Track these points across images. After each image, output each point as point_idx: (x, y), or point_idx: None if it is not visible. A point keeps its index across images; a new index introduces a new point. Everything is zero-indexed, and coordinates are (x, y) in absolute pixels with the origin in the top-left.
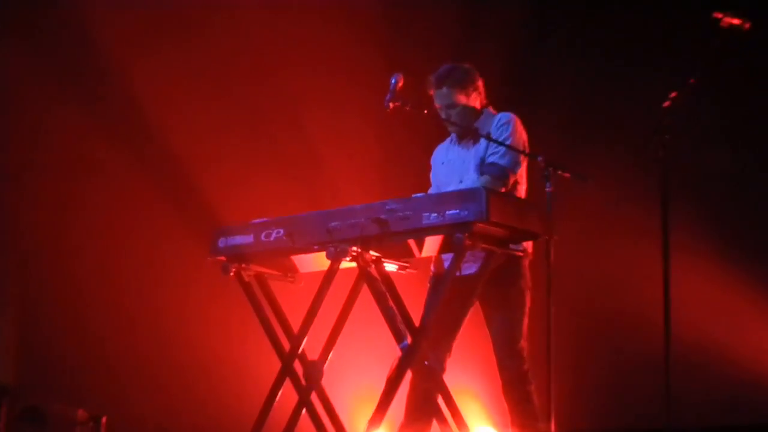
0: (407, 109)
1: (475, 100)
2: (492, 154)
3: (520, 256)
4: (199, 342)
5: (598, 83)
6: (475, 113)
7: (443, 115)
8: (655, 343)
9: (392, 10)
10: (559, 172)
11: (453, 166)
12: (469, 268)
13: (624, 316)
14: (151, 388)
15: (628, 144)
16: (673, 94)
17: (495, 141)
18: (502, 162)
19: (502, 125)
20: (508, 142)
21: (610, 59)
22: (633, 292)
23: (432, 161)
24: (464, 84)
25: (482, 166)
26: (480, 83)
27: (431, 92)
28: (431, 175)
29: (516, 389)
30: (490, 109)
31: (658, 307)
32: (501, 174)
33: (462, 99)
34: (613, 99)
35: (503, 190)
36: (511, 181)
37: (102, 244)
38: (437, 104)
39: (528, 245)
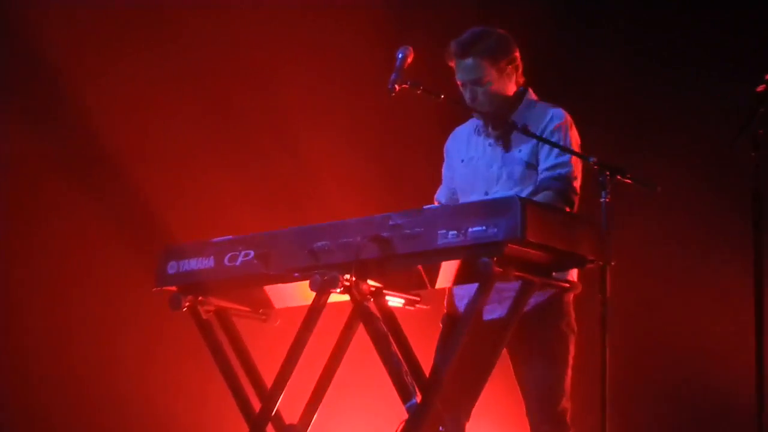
0: (418, 92)
1: (511, 78)
2: (553, 165)
3: (565, 289)
4: (151, 392)
5: (664, 65)
6: (510, 98)
7: (467, 96)
8: (746, 401)
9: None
10: (619, 177)
11: (476, 169)
12: (492, 311)
13: (703, 366)
14: None
15: (709, 142)
16: None
17: (549, 142)
18: (568, 173)
19: (557, 128)
20: (567, 137)
21: (681, 34)
22: (714, 334)
23: (447, 150)
24: (497, 54)
25: (530, 176)
26: (518, 56)
27: (452, 63)
28: (444, 168)
29: None
30: (531, 95)
31: (748, 355)
32: (569, 190)
33: (493, 75)
34: (685, 85)
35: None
36: (577, 200)
37: (33, 258)
38: (459, 80)
39: (573, 273)
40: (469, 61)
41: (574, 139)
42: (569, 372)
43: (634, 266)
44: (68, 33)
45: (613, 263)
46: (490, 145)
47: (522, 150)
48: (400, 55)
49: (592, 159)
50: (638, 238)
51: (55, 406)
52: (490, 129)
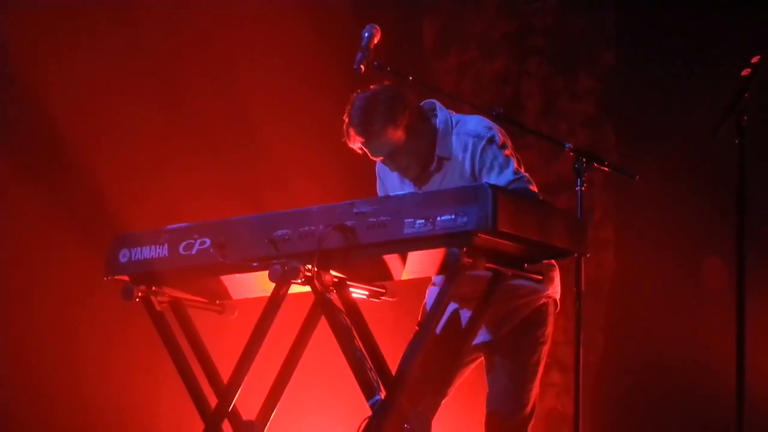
0: (386, 73)
1: (417, 123)
2: (490, 169)
3: (547, 304)
4: (92, 389)
5: (652, 44)
6: (427, 134)
7: (393, 168)
8: (725, 399)
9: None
10: (596, 165)
11: None
12: (483, 335)
13: (684, 363)
14: None
15: (693, 128)
16: (755, 59)
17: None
18: (511, 180)
19: (483, 150)
20: (503, 153)
21: (672, 11)
22: (697, 330)
23: (378, 171)
24: (394, 118)
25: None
26: (410, 100)
27: (359, 147)
28: (378, 189)
29: None
30: (437, 108)
31: (729, 347)
32: (528, 192)
33: (401, 135)
34: (673, 67)
35: None
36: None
37: None
38: (375, 157)
39: (554, 290)
40: (374, 142)
41: (502, 141)
42: (537, 382)
43: (624, 261)
44: (20, 18)
45: (588, 255)
46: (423, 186)
47: (461, 168)
48: (366, 34)
49: (568, 145)
50: (619, 230)
51: (12, 400)
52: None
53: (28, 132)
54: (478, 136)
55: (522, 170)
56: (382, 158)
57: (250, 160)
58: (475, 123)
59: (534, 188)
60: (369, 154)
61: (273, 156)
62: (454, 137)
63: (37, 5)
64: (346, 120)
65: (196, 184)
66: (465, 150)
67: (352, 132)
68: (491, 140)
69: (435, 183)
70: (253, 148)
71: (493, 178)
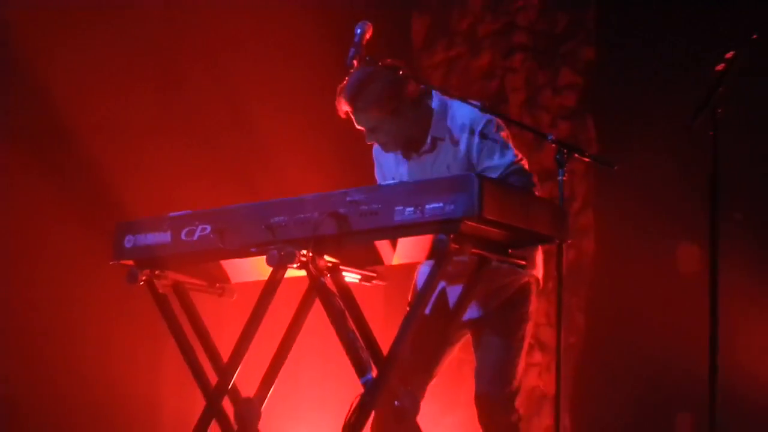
0: (377, 66)
1: (408, 110)
2: (505, 173)
3: (529, 283)
4: (97, 370)
5: (630, 40)
6: (417, 123)
7: (371, 140)
8: (699, 376)
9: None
10: (576, 155)
11: None
12: (471, 311)
13: (660, 343)
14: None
15: (669, 120)
16: (729, 55)
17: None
18: (511, 163)
19: (482, 132)
20: (501, 135)
21: (649, 8)
22: (672, 312)
23: (375, 156)
24: (384, 101)
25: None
26: (408, 88)
27: (344, 112)
28: (377, 174)
29: None
30: (438, 100)
31: (703, 328)
32: (529, 184)
33: (387, 118)
34: (650, 61)
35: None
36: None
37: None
38: (358, 126)
39: (538, 270)
40: (359, 112)
41: (498, 124)
42: (522, 357)
43: (603, 247)
44: (27, 9)
45: (569, 241)
46: (416, 162)
47: (452, 166)
48: (358, 31)
49: (551, 137)
50: (604, 219)
51: (14, 376)
52: (411, 153)
53: (35, 122)
54: (475, 121)
55: (521, 156)
56: (363, 128)
57: (244, 147)
58: (470, 110)
59: (534, 179)
60: (354, 122)
61: (266, 143)
62: (449, 120)
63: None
64: (343, 84)
65: (193, 170)
66: (462, 131)
67: (342, 98)
68: (489, 123)
69: (428, 162)
70: (248, 135)
71: (497, 160)
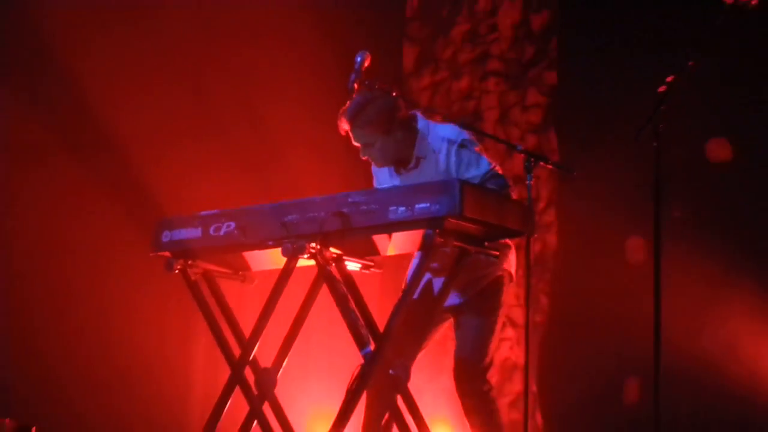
0: (374, 89)
1: (398, 130)
2: (469, 165)
3: (502, 276)
4: (142, 344)
5: (586, 66)
6: (409, 134)
7: (364, 154)
8: (645, 348)
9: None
10: (542, 163)
11: None
12: (453, 298)
13: (612, 321)
14: (89, 395)
15: (619, 134)
16: (669, 78)
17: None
18: (486, 169)
19: (459, 149)
20: (475, 149)
21: (602, 39)
22: (622, 295)
23: (373, 173)
24: (379, 122)
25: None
26: (399, 113)
27: (345, 130)
28: (375, 184)
29: (477, 407)
30: (421, 123)
31: (648, 307)
32: (506, 187)
33: (379, 137)
34: (603, 84)
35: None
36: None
37: (39, 239)
38: (363, 147)
39: (510, 264)
40: (356, 129)
41: (472, 140)
42: (494, 337)
43: (564, 240)
44: (69, 26)
45: (535, 235)
46: (405, 177)
47: (434, 179)
48: (358, 59)
49: (520, 148)
50: (564, 217)
51: (52, 346)
52: (401, 169)
53: (82, 130)
54: (451, 140)
55: (494, 163)
56: (359, 145)
57: (262, 151)
58: (448, 129)
59: (509, 181)
60: (357, 144)
61: (282, 148)
62: (429, 140)
63: (89, 22)
64: (345, 106)
65: (217, 171)
66: (439, 151)
67: (343, 117)
68: (464, 142)
69: (413, 177)
70: (265, 140)
71: (473, 171)
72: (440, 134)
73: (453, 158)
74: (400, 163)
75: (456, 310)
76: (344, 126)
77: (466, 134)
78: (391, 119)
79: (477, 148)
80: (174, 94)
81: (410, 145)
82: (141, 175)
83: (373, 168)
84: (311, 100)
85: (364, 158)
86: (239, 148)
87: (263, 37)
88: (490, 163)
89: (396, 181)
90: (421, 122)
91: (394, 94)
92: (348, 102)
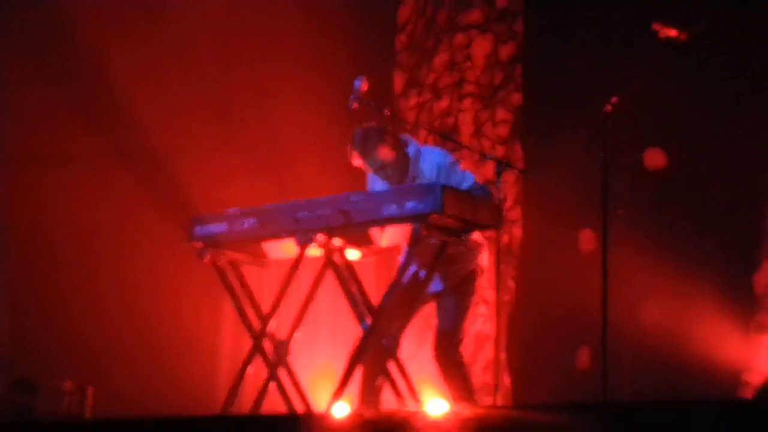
0: (371, 108)
1: (397, 144)
2: (459, 184)
3: (475, 269)
4: (175, 321)
5: (546, 88)
6: (404, 158)
7: (381, 178)
8: (594, 322)
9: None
10: (509, 169)
11: None
12: (436, 286)
13: (567, 300)
14: (130, 363)
15: (573, 145)
16: (614, 99)
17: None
18: (472, 183)
19: (448, 167)
20: (459, 167)
21: (559, 66)
22: (576, 278)
23: (370, 183)
24: (384, 139)
25: None
26: (390, 133)
27: (357, 162)
28: (368, 189)
29: (452, 372)
30: (410, 142)
31: (597, 288)
32: (486, 189)
33: (388, 153)
34: (560, 103)
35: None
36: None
37: (80, 232)
38: (370, 171)
39: (482, 260)
40: (371, 157)
41: (456, 160)
42: (467, 317)
43: (528, 233)
44: (89, 8)
45: (503, 228)
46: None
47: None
48: (357, 83)
49: (491, 156)
50: (528, 214)
51: (103, 325)
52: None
53: (129, 143)
54: (442, 163)
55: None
56: (374, 170)
57: (277, 158)
58: (437, 153)
59: (492, 190)
60: (365, 168)
61: (295, 155)
62: (422, 163)
63: (136, 42)
64: (350, 145)
65: (240, 174)
66: (431, 172)
67: (355, 153)
68: (452, 164)
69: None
70: (281, 149)
71: (465, 186)
72: (430, 160)
73: (443, 178)
74: (401, 181)
75: (438, 296)
76: (356, 161)
77: (450, 156)
78: (389, 142)
79: (461, 166)
80: (205, 114)
81: (406, 168)
82: (178, 180)
83: (369, 179)
84: (320, 118)
85: (382, 178)
86: (258, 156)
87: (281, 68)
88: (472, 176)
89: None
90: (413, 148)
91: (386, 111)
92: (350, 141)
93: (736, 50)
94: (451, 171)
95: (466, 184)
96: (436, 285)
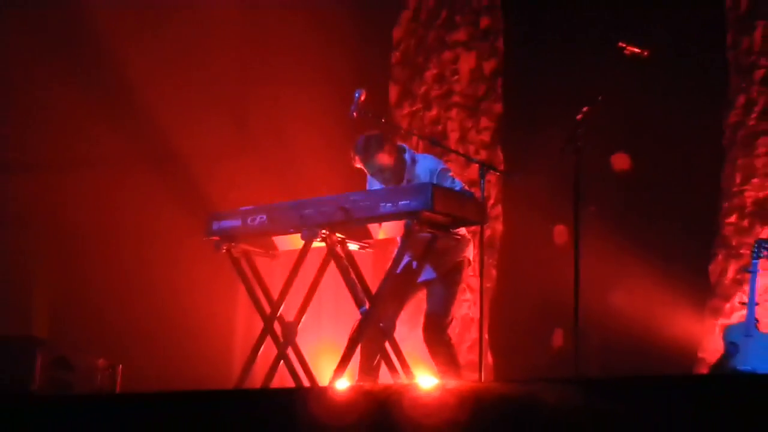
0: (369, 116)
1: (394, 152)
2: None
3: (463, 260)
4: (195, 306)
5: (524, 100)
6: (400, 163)
7: (380, 180)
8: (567, 306)
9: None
10: (491, 171)
11: None
12: (427, 274)
13: (543, 286)
14: (155, 343)
15: (548, 150)
16: (585, 109)
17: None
18: (459, 188)
19: (440, 174)
20: (449, 174)
21: (535, 80)
22: (551, 268)
23: (368, 182)
24: (383, 146)
25: None
26: (389, 141)
27: (359, 166)
28: (367, 188)
29: (440, 350)
30: (406, 149)
31: (569, 276)
32: (471, 195)
33: (386, 159)
34: (537, 112)
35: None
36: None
37: (107, 227)
38: (370, 173)
39: (468, 252)
40: (371, 162)
41: (447, 167)
42: (454, 302)
43: (508, 228)
44: (138, 57)
45: (486, 223)
46: None
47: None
48: (357, 94)
49: (475, 159)
50: (508, 210)
51: (113, 301)
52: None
53: (153, 147)
54: (435, 169)
55: (458, 178)
56: (372, 173)
57: (286, 159)
58: (431, 160)
59: (466, 187)
60: (366, 171)
61: (302, 159)
62: (418, 168)
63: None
64: (353, 151)
65: (252, 175)
66: (425, 176)
67: (357, 158)
68: (444, 170)
69: None
70: (289, 152)
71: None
72: (425, 165)
73: (436, 182)
74: (399, 182)
75: (429, 284)
76: (357, 164)
77: (442, 164)
78: (388, 148)
79: (451, 173)
80: (221, 120)
81: (402, 172)
82: (195, 179)
83: (369, 181)
84: (324, 125)
85: (379, 181)
86: (269, 159)
87: (291, 80)
88: (461, 183)
89: None
90: (408, 155)
91: (383, 120)
92: (353, 147)
93: (693, 64)
94: (443, 176)
95: (454, 189)
96: (427, 273)
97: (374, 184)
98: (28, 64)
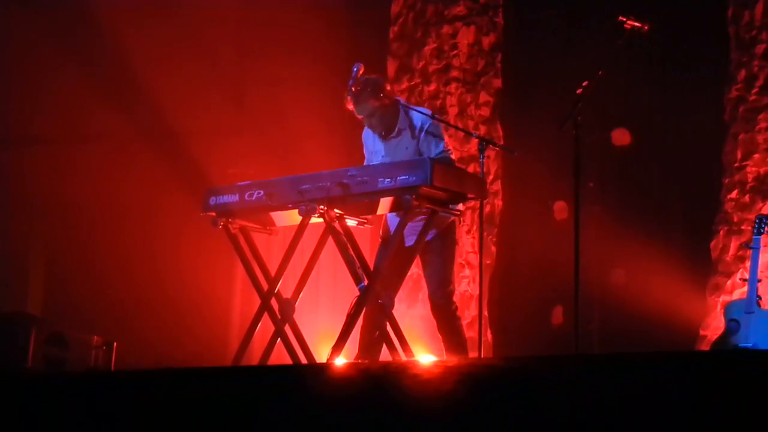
0: (368, 91)
1: (389, 102)
2: (436, 156)
3: (454, 220)
4: (191, 283)
5: (523, 74)
6: (393, 112)
7: (366, 124)
8: (567, 283)
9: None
10: (491, 146)
11: (383, 158)
12: (409, 240)
13: (543, 263)
14: (151, 320)
15: (548, 124)
16: (585, 83)
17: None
18: (447, 157)
19: (430, 126)
20: (441, 128)
21: (535, 54)
22: (551, 244)
23: (363, 138)
24: (376, 93)
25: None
26: (387, 86)
27: (351, 108)
28: (364, 151)
29: (447, 324)
30: (402, 103)
31: (569, 252)
32: (451, 164)
33: (377, 106)
34: (536, 87)
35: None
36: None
37: (107, 201)
38: (358, 114)
39: (459, 213)
40: (361, 105)
41: (438, 125)
42: (453, 269)
43: (507, 203)
44: (141, 36)
45: (486, 199)
46: (387, 143)
47: (408, 148)
48: (355, 69)
49: (475, 134)
50: (507, 186)
51: (127, 287)
52: (384, 135)
53: (155, 126)
54: (425, 123)
55: (449, 147)
56: (361, 116)
57: (284, 137)
58: (426, 115)
59: (453, 158)
60: (355, 113)
61: (300, 135)
62: (412, 117)
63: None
64: (347, 90)
65: (251, 152)
66: (415, 126)
67: (349, 97)
68: (434, 127)
69: (394, 144)
70: (287, 129)
71: (433, 148)
72: (418, 117)
73: (422, 136)
74: (388, 130)
75: (423, 250)
76: (349, 105)
77: (434, 122)
78: (383, 96)
79: (441, 130)
80: (220, 98)
81: (395, 118)
82: (195, 156)
83: (363, 135)
84: (322, 101)
85: (366, 125)
86: (267, 135)
87: (289, 58)
88: (445, 147)
89: (380, 147)
90: (403, 105)
91: (381, 95)
92: (350, 82)
93: (694, 39)
94: (430, 134)
95: (435, 151)
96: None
97: (370, 144)
98: (35, 43)
